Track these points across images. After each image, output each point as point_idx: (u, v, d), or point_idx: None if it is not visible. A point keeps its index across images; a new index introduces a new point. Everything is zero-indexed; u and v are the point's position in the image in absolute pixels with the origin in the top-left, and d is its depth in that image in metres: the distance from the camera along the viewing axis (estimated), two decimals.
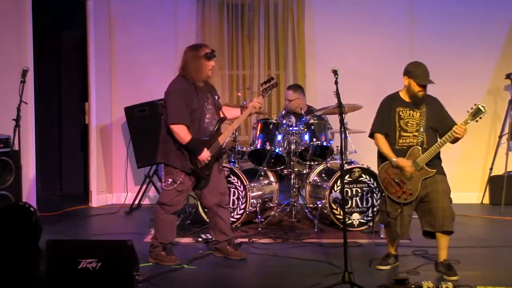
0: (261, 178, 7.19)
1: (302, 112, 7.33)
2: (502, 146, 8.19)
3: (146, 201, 8.42)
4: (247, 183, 6.88)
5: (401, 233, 5.43)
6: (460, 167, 8.38)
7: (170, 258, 5.72)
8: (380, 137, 5.49)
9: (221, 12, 8.43)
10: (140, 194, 8.24)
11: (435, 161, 5.37)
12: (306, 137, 7.03)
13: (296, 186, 7.16)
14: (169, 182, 5.66)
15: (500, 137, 8.17)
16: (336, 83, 5.23)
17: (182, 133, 5.53)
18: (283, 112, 7.72)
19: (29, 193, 7.49)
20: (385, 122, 5.46)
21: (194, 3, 8.48)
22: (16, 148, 6.56)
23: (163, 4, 8.57)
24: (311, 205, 7.05)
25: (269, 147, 7.04)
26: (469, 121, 5.18)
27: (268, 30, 8.42)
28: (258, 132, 7.15)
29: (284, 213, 7.25)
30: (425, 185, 5.33)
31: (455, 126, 5.20)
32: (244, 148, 7.34)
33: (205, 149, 5.58)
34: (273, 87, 5.99)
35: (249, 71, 8.48)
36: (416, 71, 5.40)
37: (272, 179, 7.23)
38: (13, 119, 6.31)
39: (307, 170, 7.21)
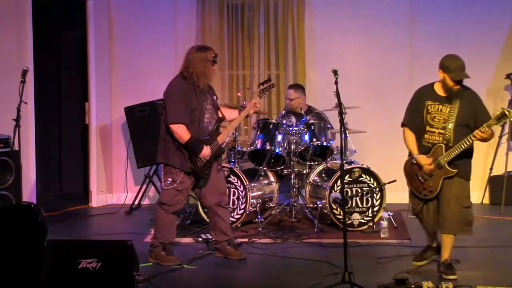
0: (261, 178, 7.19)
1: (302, 112, 7.33)
2: (502, 146, 8.18)
3: (146, 201, 8.42)
4: (247, 183, 6.88)
5: (429, 226, 5.47)
6: None
7: (170, 258, 5.72)
8: (407, 130, 5.39)
9: (221, 12, 8.43)
10: (140, 194, 8.23)
11: (461, 161, 5.22)
12: (306, 137, 7.02)
13: (296, 186, 7.16)
14: (169, 182, 5.67)
15: (500, 137, 8.16)
16: (336, 83, 5.24)
17: (182, 132, 5.53)
18: (283, 112, 7.72)
19: (29, 193, 7.49)
20: (415, 115, 5.34)
21: (194, 3, 8.48)
22: (16, 148, 6.56)
23: (163, 4, 8.57)
24: (311, 205, 7.05)
25: (269, 147, 7.04)
26: (492, 124, 5.03)
27: (268, 30, 8.42)
28: (258, 132, 7.15)
29: (284, 213, 7.25)
30: (444, 184, 5.27)
31: (476, 130, 5.04)
32: (244, 148, 7.35)
33: (205, 146, 5.59)
34: (270, 88, 6.03)
35: (249, 71, 8.48)
36: (451, 65, 5.16)
37: (272, 179, 7.23)
38: (13, 119, 6.31)
39: (307, 170, 7.21)
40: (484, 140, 5.17)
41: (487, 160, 8.30)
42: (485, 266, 5.66)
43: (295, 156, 7.07)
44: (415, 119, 5.36)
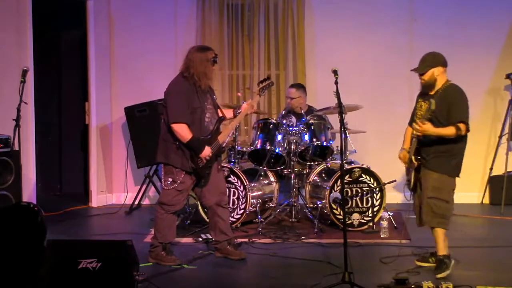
0: (261, 178, 7.19)
1: (303, 112, 7.33)
2: (502, 146, 8.18)
3: (146, 201, 8.42)
4: (247, 183, 6.88)
5: (417, 222, 5.55)
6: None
7: (170, 258, 5.72)
8: (407, 127, 5.62)
9: (221, 12, 8.43)
10: (140, 194, 8.23)
11: (432, 155, 5.34)
12: (306, 137, 7.03)
13: (296, 186, 7.16)
14: (169, 182, 5.67)
15: (500, 137, 8.16)
16: (336, 83, 5.24)
17: (183, 131, 5.54)
18: (283, 112, 7.72)
19: (29, 193, 7.49)
20: (412, 113, 5.58)
21: (194, 3, 8.48)
22: (16, 148, 6.56)
23: (163, 4, 8.57)
24: (311, 205, 7.05)
25: (269, 147, 7.04)
26: (425, 116, 5.15)
27: (268, 30, 8.42)
28: (258, 132, 7.15)
29: (284, 213, 7.25)
30: (420, 178, 5.41)
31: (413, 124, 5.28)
32: (244, 148, 7.35)
33: (206, 146, 5.60)
34: (270, 86, 6.05)
35: (249, 71, 8.48)
36: None
37: (272, 179, 7.23)
38: (13, 119, 6.31)
39: (307, 170, 7.21)
40: (423, 135, 5.23)
41: (487, 160, 8.30)
42: (485, 266, 5.65)
43: (295, 156, 7.08)
44: (412, 116, 5.59)
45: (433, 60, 5.38)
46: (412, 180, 5.44)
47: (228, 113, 5.97)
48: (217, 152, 5.74)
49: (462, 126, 5.25)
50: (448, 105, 5.27)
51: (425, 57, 5.41)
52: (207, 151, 5.59)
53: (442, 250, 5.35)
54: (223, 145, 5.89)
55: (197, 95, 5.62)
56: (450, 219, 5.41)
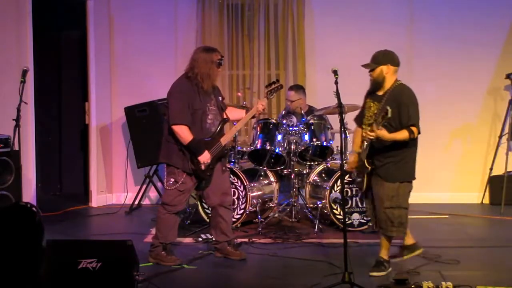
0: (261, 178, 7.19)
1: (303, 112, 7.33)
2: (502, 146, 8.18)
3: (146, 201, 8.43)
4: (247, 183, 6.89)
5: (374, 226, 5.54)
6: (460, 167, 8.40)
7: (170, 258, 5.72)
8: (356, 129, 5.58)
9: (221, 12, 8.43)
10: (140, 194, 8.24)
11: (382, 162, 5.27)
12: (306, 137, 7.03)
13: (296, 186, 7.16)
14: (171, 182, 5.66)
15: (500, 137, 8.17)
16: (336, 83, 5.24)
17: (184, 133, 5.53)
18: (283, 112, 7.72)
19: (29, 193, 7.49)
20: (360, 114, 5.52)
21: (194, 3, 8.48)
22: (16, 148, 6.56)
23: (163, 4, 8.57)
24: (311, 205, 7.05)
25: (269, 147, 7.04)
26: (378, 123, 5.04)
27: (268, 30, 8.43)
28: (258, 132, 7.15)
29: (284, 213, 7.25)
30: (371, 182, 5.35)
31: (365, 129, 5.20)
32: (244, 148, 7.35)
33: (206, 151, 5.59)
34: (278, 89, 6.01)
35: (249, 71, 8.48)
36: None
37: (272, 179, 7.23)
38: (13, 119, 6.30)
39: (307, 170, 7.21)
40: (401, 140, 5.16)
41: (487, 160, 8.30)
42: (485, 266, 5.65)
43: (295, 156, 7.07)
44: (360, 117, 5.51)
45: (383, 57, 5.29)
46: (365, 185, 5.35)
47: (241, 113, 5.95)
48: (219, 155, 5.72)
49: (414, 129, 5.14)
50: (398, 106, 5.16)
51: (376, 54, 5.33)
52: (205, 156, 5.57)
53: (386, 255, 5.42)
54: (226, 147, 5.85)
55: (199, 96, 5.61)
56: (407, 224, 5.40)
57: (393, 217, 5.26)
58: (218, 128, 5.71)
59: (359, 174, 5.43)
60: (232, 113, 5.93)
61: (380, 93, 5.31)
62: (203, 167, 5.59)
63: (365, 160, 5.26)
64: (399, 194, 5.26)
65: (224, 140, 5.73)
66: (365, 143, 5.27)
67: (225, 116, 5.81)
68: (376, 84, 5.30)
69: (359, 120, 5.51)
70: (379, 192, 5.30)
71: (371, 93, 5.38)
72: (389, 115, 4.92)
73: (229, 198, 5.97)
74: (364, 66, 5.34)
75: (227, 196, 5.89)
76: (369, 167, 5.27)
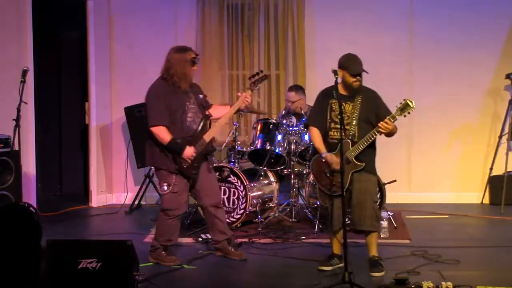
0: (261, 178, 7.19)
1: (303, 112, 7.33)
2: (502, 146, 8.18)
3: (146, 201, 8.42)
4: (247, 183, 6.88)
5: (336, 224, 5.41)
6: (460, 167, 8.39)
7: (170, 258, 5.72)
8: (312, 129, 5.54)
9: (221, 12, 8.43)
10: (140, 194, 8.23)
11: (367, 157, 5.36)
12: (306, 137, 7.02)
13: (296, 186, 7.16)
14: (165, 187, 5.65)
15: (500, 137, 8.16)
16: (336, 83, 5.25)
17: (162, 133, 5.52)
18: (283, 112, 7.71)
19: (29, 193, 7.48)
20: (318, 114, 5.52)
21: (194, 3, 8.47)
22: (16, 148, 6.57)
23: (163, 4, 8.57)
24: (311, 205, 7.05)
25: (269, 147, 7.04)
26: (396, 116, 5.20)
27: (268, 30, 8.42)
28: (258, 132, 7.15)
29: (284, 213, 7.24)
30: (353, 179, 5.35)
31: (381, 122, 5.22)
32: (244, 148, 7.35)
33: (188, 146, 5.54)
34: (263, 80, 5.94)
35: (249, 71, 8.46)
36: (347, 63, 5.39)
37: (272, 179, 7.23)
38: (13, 119, 6.32)
39: (307, 170, 7.20)
40: (389, 133, 5.29)
41: (487, 160, 8.29)
42: (485, 266, 5.65)
43: (295, 156, 7.07)
44: (318, 118, 5.51)
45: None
46: (348, 183, 5.31)
47: (224, 110, 5.87)
48: (204, 152, 5.66)
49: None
50: (374, 102, 5.41)
51: (359, 59, 5.43)
52: (189, 151, 5.54)
53: (378, 252, 5.43)
54: (212, 143, 5.76)
55: (176, 96, 5.59)
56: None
57: (378, 212, 5.41)
58: (201, 125, 5.65)
59: (338, 173, 5.31)
60: (217, 110, 5.86)
61: (346, 93, 5.40)
62: (187, 163, 5.55)
63: (354, 160, 5.31)
64: (376, 188, 5.43)
65: (208, 137, 5.66)
66: (348, 142, 5.29)
67: (207, 113, 5.75)
68: (356, 88, 5.39)
69: (317, 121, 5.50)
70: (368, 186, 5.36)
71: (331, 95, 5.37)
72: (413, 106, 5.10)
73: (220, 197, 5.99)
74: (363, 71, 5.45)
75: (219, 196, 5.91)
76: (361, 165, 5.31)
